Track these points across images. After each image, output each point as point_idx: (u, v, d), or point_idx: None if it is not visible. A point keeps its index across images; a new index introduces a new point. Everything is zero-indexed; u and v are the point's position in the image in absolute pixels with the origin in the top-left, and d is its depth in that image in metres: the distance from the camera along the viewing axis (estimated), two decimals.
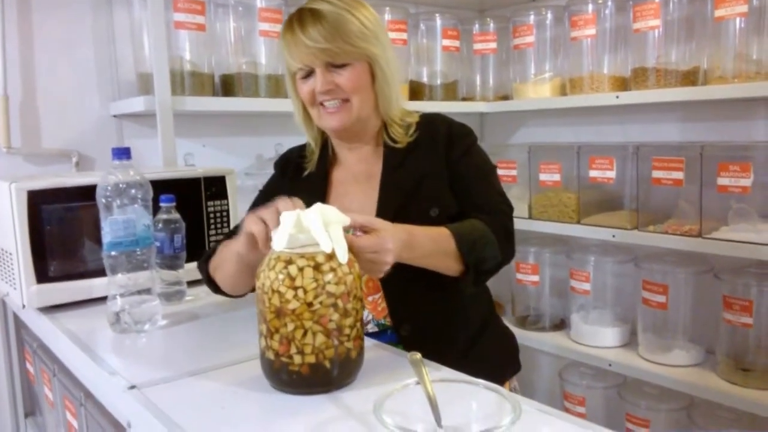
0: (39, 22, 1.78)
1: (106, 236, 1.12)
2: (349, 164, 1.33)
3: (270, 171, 2.07)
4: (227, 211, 1.54)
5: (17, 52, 1.75)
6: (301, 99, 1.24)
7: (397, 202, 1.22)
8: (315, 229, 0.90)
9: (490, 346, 1.32)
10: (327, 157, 1.34)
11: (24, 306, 1.26)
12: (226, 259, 1.14)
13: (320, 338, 0.89)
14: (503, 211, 1.25)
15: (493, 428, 0.64)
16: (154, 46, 1.68)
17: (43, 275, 1.25)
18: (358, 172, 1.31)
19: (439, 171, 1.25)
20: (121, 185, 1.10)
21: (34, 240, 1.24)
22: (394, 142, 1.28)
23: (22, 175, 1.53)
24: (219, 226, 1.52)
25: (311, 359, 0.89)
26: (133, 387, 0.92)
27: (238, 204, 1.60)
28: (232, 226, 1.55)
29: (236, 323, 1.25)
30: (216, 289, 1.24)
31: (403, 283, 1.15)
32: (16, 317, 1.71)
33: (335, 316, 0.90)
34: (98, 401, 1.16)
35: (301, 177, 1.34)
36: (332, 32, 1.15)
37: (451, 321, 1.26)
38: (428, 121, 1.31)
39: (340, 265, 0.90)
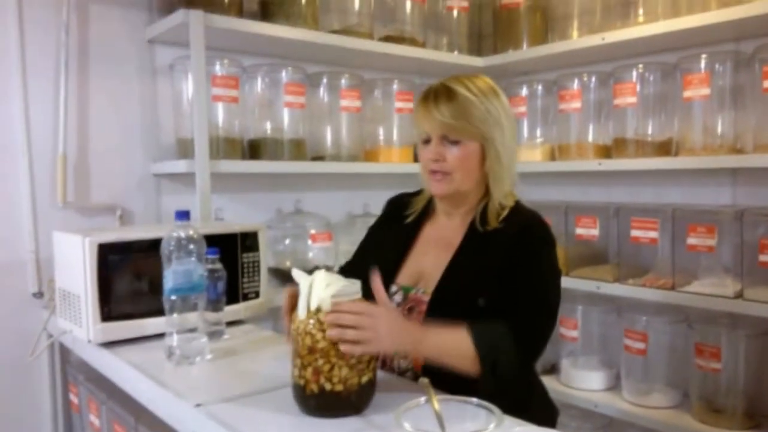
0: (94, 90, 2.04)
1: (168, 282, 1.32)
2: (441, 225, 1.47)
3: (289, 224, 2.32)
4: (258, 261, 1.75)
5: (75, 117, 2.00)
6: None
7: (458, 285, 1.32)
8: (301, 295, 1.11)
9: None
10: (428, 212, 1.51)
11: (89, 341, 1.46)
12: None
13: (344, 371, 1.10)
14: (536, 323, 1.28)
15: (482, 429, 0.87)
16: (196, 118, 1.92)
17: (106, 315, 1.46)
18: (442, 237, 1.44)
19: (500, 266, 1.31)
20: (182, 241, 1.33)
21: (101, 285, 1.45)
22: (484, 222, 1.38)
23: (78, 227, 1.77)
24: (251, 274, 1.73)
25: (339, 387, 1.09)
26: (198, 405, 1.12)
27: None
28: (262, 274, 1.77)
29: (268, 358, 1.45)
30: None
31: None
32: (62, 356, 1.92)
33: None
34: (151, 423, 1.36)
35: (403, 223, 1.51)
36: (458, 111, 1.31)
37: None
38: (515, 213, 1.38)
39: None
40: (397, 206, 1.58)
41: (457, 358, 1.21)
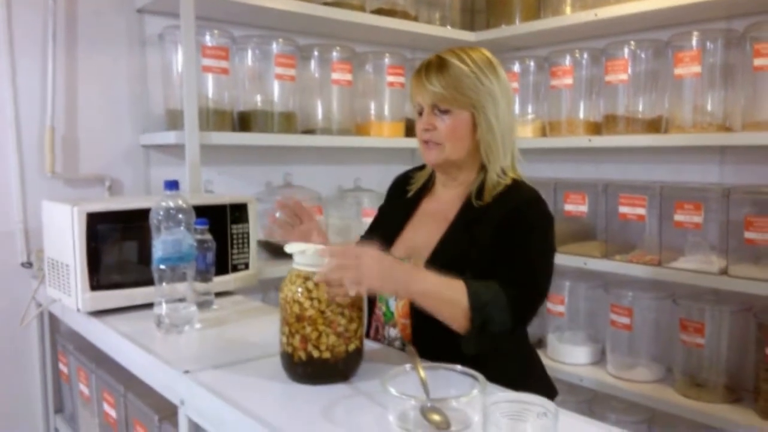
0: (83, 62, 2.02)
1: (158, 252, 1.32)
2: (438, 198, 1.47)
3: (278, 198, 2.32)
4: (248, 233, 1.75)
5: (63, 89, 1.98)
6: None
7: (448, 257, 1.31)
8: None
9: None
10: (427, 186, 1.51)
11: (78, 309, 1.46)
12: None
13: (332, 338, 1.12)
14: (527, 288, 1.26)
15: (464, 395, 0.88)
16: (186, 89, 1.91)
17: (95, 284, 1.47)
18: (438, 210, 1.44)
19: (491, 240, 1.30)
20: (171, 211, 1.33)
21: (89, 254, 1.45)
22: (480, 197, 1.36)
23: (67, 198, 1.76)
24: (240, 246, 1.73)
25: (326, 355, 1.11)
26: (187, 371, 1.13)
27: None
28: (251, 245, 1.77)
29: (257, 327, 1.46)
30: None
31: (432, 322, 1.22)
32: (51, 325, 1.93)
33: (343, 321, 1.12)
34: (140, 392, 1.37)
35: (405, 198, 1.52)
36: (448, 81, 1.32)
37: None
38: (511, 189, 1.36)
39: None
40: (401, 183, 1.59)
41: (449, 306, 1.18)
